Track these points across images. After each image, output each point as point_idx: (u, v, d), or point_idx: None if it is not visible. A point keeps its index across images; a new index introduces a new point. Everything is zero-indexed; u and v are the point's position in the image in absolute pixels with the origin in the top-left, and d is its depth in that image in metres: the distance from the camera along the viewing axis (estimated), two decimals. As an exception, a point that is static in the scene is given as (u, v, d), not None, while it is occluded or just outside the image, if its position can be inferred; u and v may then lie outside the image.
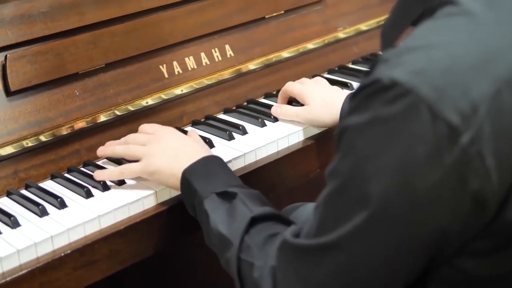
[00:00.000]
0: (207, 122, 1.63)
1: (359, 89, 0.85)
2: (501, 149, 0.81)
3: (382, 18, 2.00)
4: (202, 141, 1.43)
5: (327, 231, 0.89)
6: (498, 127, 0.80)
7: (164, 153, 1.34)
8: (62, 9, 1.46)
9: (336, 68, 1.89)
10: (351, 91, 1.57)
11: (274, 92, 1.76)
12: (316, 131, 1.58)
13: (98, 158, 1.48)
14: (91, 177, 1.39)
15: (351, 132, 0.86)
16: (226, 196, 1.21)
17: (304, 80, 1.65)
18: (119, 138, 1.50)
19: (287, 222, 1.15)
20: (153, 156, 1.34)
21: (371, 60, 1.93)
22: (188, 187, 1.26)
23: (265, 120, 1.59)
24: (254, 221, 1.13)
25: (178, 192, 1.33)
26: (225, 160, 1.37)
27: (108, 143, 1.46)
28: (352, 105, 0.86)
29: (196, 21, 1.65)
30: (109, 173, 1.37)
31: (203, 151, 1.34)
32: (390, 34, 0.98)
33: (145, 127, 1.45)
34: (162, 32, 1.59)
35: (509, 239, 0.86)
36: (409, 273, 0.89)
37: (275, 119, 1.60)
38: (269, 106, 1.65)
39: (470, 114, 0.79)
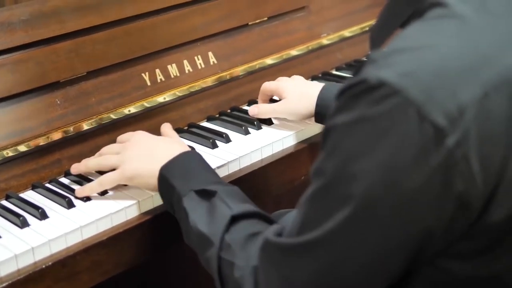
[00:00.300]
0: (190, 130, 1.61)
1: (345, 88, 0.84)
2: (486, 153, 0.81)
3: (366, 24, 1.99)
4: (176, 136, 1.44)
5: (310, 229, 0.89)
6: (485, 130, 0.80)
7: (140, 156, 1.33)
8: (43, 17, 1.44)
9: (320, 75, 1.88)
10: (326, 83, 1.59)
11: (257, 100, 1.74)
12: (300, 138, 1.57)
13: (80, 167, 1.46)
14: (72, 187, 1.37)
15: (337, 131, 0.85)
16: (205, 194, 1.20)
17: (280, 78, 1.68)
18: (101, 147, 1.48)
19: (268, 220, 1.14)
20: (129, 161, 1.33)
21: (355, 66, 1.93)
22: (165, 185, 1.25)
23: (248, 128, 1.58)
24: (235, 220, 1.13)
25: (162, 202, 1.32)
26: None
27: (83, 161, 1.43)
28: (338, 104, 0.85)
29: (178, 28, 1.64)
30: (90, 187, 1.34)
31: (180, 148, 1.32)
32: (379, 36, 0.97)
33: (119, 137, 1.45)
34: (144, 40, 1.58)
35: (493, 241, 0.86)
36: (391, 273, 0.88)
37: (259, 127, 1.59)
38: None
39: (457, 116, 0.79)
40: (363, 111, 0.82)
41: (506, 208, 0.84)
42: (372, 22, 1.99)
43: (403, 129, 0.80)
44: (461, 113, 0.79)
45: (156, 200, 1.33)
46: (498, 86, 0.80)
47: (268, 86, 1.64)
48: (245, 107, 1.72)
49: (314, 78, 1.87)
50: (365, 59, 1.95)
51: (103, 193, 1.35)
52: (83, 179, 1.40)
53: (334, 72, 1.91)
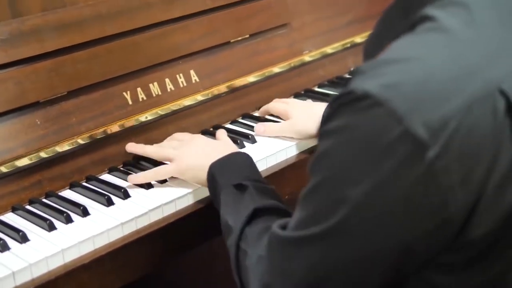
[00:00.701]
0: (172, 149, 1.59)
1: (335, 99, 0.86)
2: (468, 166, 0.81)
3: (348, 40, 1.99)
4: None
5: (304, 226, 0.91)
6: (466, 144, 0.80)
7: (195, 152, 1.43)
8: (22, 36, 1.42)
9: (302, 92, 1.87)
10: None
11: (240, 119, 1.74)
12: (283, 157, 1.56)
13: (60, 189, 1.44)
14: (53, 208, 1.35)
15: (325, 137, 0.87)
16: (240, 188, 1.26)
17: (286, 100, 1.73)
18: (82, 168, 1.47)
19: (290, 216, 1.16)
20: (185, 156, 1.43)
21: (338, 83, 1.92)
22: (212, 180, 1.33)
23: (232, 147, 1.56)
24: (257, 212, 1.18)
25: (145, 223, 1.31)
26: (194, 187, 1.40)
27: (140, 144, 1.54)
28: (327, 113, 0.87)
29: (160, 46, 1.62)
30: (144, 175, 1.43)
31: (231, 149, 1.42)
32: (371, 49, 0.98)
33: (176, 135, 1.57)
34: (125, 58, 1.56)
35: (477, 254, 0.86)
36: (376, 281, 0.89)
37: (242, 145, 1.57)
38: (235, 132, 1.63)
39: (438, 129, 0.79)
40: (347, 119, 0.84)
41: (488, 223, 0.84)
42: (353, 38, 2.00)
43: (385, 139, 0.80)
44: (443, 125, 0.79)
45: (139, 222, 1.32)
46: (482, 99, 0.81)
47: (275, 107, 1.69)
48: (227, 126, 1.70)
49: (296, 95, 1.86)
50: (347, 76, 1.97)
51: (85, 214, 1.33)
52: (66, 201, 1.38)
53: (317, 89, 1.91)
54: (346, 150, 0.84)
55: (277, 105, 1.70)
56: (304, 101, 1.70)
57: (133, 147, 1.52)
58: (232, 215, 1.22)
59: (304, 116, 1.60)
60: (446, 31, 0.84)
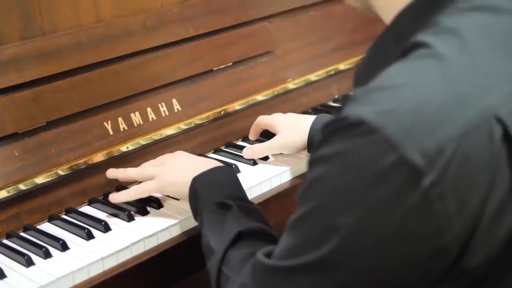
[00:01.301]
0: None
1: (328, 124, 0.85)
2: (464, 194, 0.79)
3: (332, 67, 1.98)
4: (215, 160, 1.47)
5: (293, 254, 0.89)
6: (462, 171, 0.79)
7: (177, 167, 1.41)
8: (0, 65, 1.39)
9: (286, 119, 1.85)
10: (318, 114, 1.62)
11: (223, 147, 1.71)
12: (266, 188, 1.54)
13: (39, 222, 1.41)
14: (31, 243, 1.31)
15: (318, 164, 0.85)
16: (223, 207, 1.24)
17: (274, 114, 1.72)
18: (62, 200, 1.44)
19: (276, 241, 1.13)
20: (166, 172, 1.41)
21: (321, 111, 1.90)
22: (194, 195, 1.30)
23: (215, 177, 1.53)
24: (241, 235, 1.16)
25: (127, 257, 1.29)
26: (177, 219, 1.37)
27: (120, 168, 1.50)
28: (319, 141, 0.86)
29: (141, 75, 1.59)
30: (126, 193, 1.42)
31: (215, 164, 1.38)
32: (363, 76, 0.96)
33: (158, 158, 1.52)
34: (106, 88, 1.53)
35: (473, 284, 0.84)
36: None
37: (226, 175, 1.54)
38: (219, 161, 1.60)
39: (434, 156, 0.78)
40: (341, 145, 0.82)
41: (485, 251, 0.82)
42: (337, 65, 1.98)
43: (379, 166, 0.79)
44: (439, 152, 0.78)
45: (134, 250, 1.29)
46: (478, 126, 0.80)
47: (262, 120, 1.68)
48: (211, 155, 1.67)
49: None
50: (331, 103, 1.95)
51: (65, 248, 1.29)
52: (44, 235, 1.34)
53: (301, 117, 1.88)
54: (339, 177, 0.82)
55: (262, 117, 1.69)
56: (291, 114, 1.69)
57: (113, 172, 1.49)
58: (215, 236, 1.19)
59: (291, 130, 1.60)
60: (440, 57, 0.83)
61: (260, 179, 1.53)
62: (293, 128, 1.60)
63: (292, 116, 1.67)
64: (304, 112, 1.89)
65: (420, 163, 0.78)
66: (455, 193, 0.79)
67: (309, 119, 1.59)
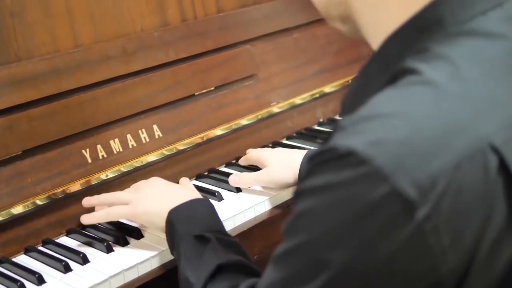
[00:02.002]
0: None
1: (315, 155, 0.81)
2: (458, 227, 0.76)
3: (316, 91, 1.94)
4: (193, 187, 1.47)
5: None
6: (457, 203, 0.76)
7: (152, 195, 1.38)
8: (-26, 93, 1.35)
9: (270, 145, 1.81)
10: (309, 150, 1.58)
11: (206, 173, 1.67)
12: (250, 216, 1.49)
13: (15, 254, 1.36)
14: (6, 276, 1.27)
15: (304, 196, 0.82)
16: (202, 240, 1.21)
17: (263, 149, 1.69)
18: (38, 230, 1.40)
19: (256, 274, 1.12)
20: (141, 199, 1.38)
21: (306, 135, 1.87)
22: (171, 228, 1.27)
23: (197, 205, 1.49)
24: (221, 269, 1.14)
25: (120, 283, 1.27)
26: (157, 250, 1.33)
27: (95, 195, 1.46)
28: (307, 170, 0.82)
29: (120, 101, 1.55)
30: (97, 216, 1.40)
31: (191, 195, 1.36)
32: (350, 104, 0.93)
33: (134, 184, 1.49)
34: (84, 114, 1.49)
35: None
36: None
37: (208, 203, 1.50)
38: (201, 189, 1.56)
39: (427, 187, 0.74)
40: (330, 177, 0.78)
41: (482, 285, 0.79)
42: (322, 88, 1.95)
43: (370, 199, 0.75)
44: (432, 184, 0.74)
45: (127, 276, 1.25)
46: (471, 156, 0.76)
47: (250, 157, 1.64)
48: (193, 182, 1.63)
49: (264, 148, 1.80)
50: (316, 127, 1.91)
51: (41, 282, 1.24)
52: (20, 267, 1.30)
53: (285, 141, 1.85)
54: (327, 211, 0.78)
55: (253, 153, 1.65)
56: (282, 149, 1.66)
57: (88, 201, 1.44)
58: (193, 270, 1.16)
59: (280, 165, 1.56)
60: (430, 84, 0.80)
61: (243, 207, 1.49)
62: (283, 163, 1.55)
63: (282, 152, 1.64)
64: (289, 136, 1.87)
65: (413, 195, 0.74)
66: (449, 226, 0.76)
67: (300, 154, 1.53)
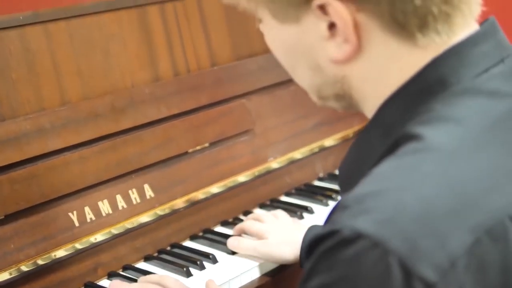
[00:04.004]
0: (125, 272, 1.45)
1: (315, 242, 0.73)
2: None
3: (315, 144, 1.88)
4: None
5: None
6: (482, 281, 0.71)
7: None
8: (-47, 155, 1.29)
9: (268, 202, 1.74)
10: (311, 225, 1.43)
11: (200, 234, 1.60)
12: (246, 281, 1.42)
13: (-4, 326, 1.28)
14: None
15: None
16: None
17: (263, 217, 1.55)
18: (22, 300, 1.31)
19: None
20: None
21: (306, 191, 1.80)
22: None
23: (190, 269, 1.42)
24: None
25: None
26: None
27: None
28: (310, 265, 0.74)
29: (109, 161, 1.48)
30: None
31: None
32: (349, 176, 0.87)
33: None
34: (70, 176, 1.42)
35: None
36: None
37: (202, 267, 1.43)
38: (195, 251, 1.49)
39: (448, 268, 0.69)
40: (341, 271, 0.71)
41: None
42: (322, 142, 1.89)
43: (389, 287, 0.69)
44: (452, 263, 0.69)
45: None
46: (490, 229, 0.72)
47: (248, 228, 1.52)
48: (186, 243, 1.56)
49: (262, 206, 1.73)
50: (316, 183, 1.84)
51: None
52: None
53: (283, 198, 1.78)
54: None
55: (252, 224, 1.53)
56: (283, 222, 1.53)
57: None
58: None
59: (282, 240, 1.45)
60: (435, 151, 0.75)
61: (239, 271, 1.42)
62: (284, 238, 1.45)
63: (283, 226, 1.51)
64: (287, 193, 1.79)
65: (434, 278, 0.69)
66: None
67: (302, 229, 1.42)
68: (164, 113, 1.60)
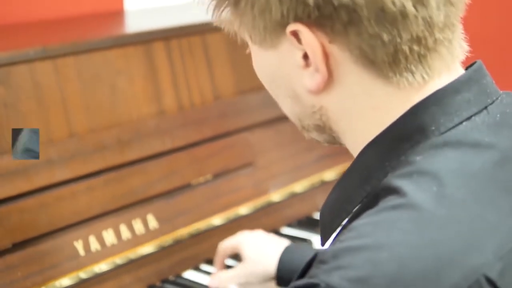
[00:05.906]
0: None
1: None
2: None
3: (316, 177, 1.91)
4: None
5: None
6: None
7: None
8: (-36, 185, 1.32)
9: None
10: (288, 245, 1.45)
11: (203, 264, 1.62)
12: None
13: None
14: None
15: None
16: None
17: (239, 233, 1.54)
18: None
19: None
20: None
21: (307, 223, 1.83)
22: None
23: (193, 299, 1.45)
24: None
25: None
26: None
27: None
28: None
29: (114, 191, 1.52)
30: None
31: None
32: (329, 220, 0.87)
33: None
34: (77, 206, 1.45)
35: None
36: None
37: (205, 297, 1.46)
38: (197, 284, 1.52)
39: None
40: None
41: None
42: (323, 174, 1.92)
43: None
44: None
45: None
46: None
47: (224, 248, 1.49)
48: (189, 272, 1.59)
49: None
50: (316, 216, 1.87)
51: None
52: None
53: (285, 230, 1.81)
54: None
55: (222, 244, 1.51)
56: (257, 234, 1.51)
57: None
58: None
59: (256, 257, 1.43)
60: (416, 209, 0.74)
61: (240, 300, 1.44)
62: (261, 252, 1.43)
63: (259, 238, 1.50)
64: (289, 225, 1.82)
65: None
66: None
67: (278, 246, 1.43)
68: (169, 146, 1.64)
